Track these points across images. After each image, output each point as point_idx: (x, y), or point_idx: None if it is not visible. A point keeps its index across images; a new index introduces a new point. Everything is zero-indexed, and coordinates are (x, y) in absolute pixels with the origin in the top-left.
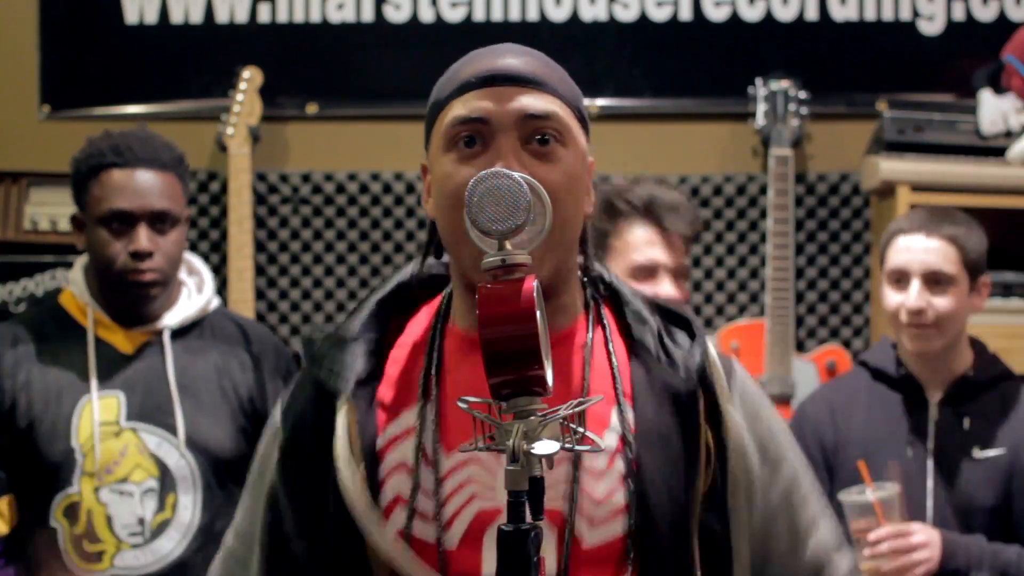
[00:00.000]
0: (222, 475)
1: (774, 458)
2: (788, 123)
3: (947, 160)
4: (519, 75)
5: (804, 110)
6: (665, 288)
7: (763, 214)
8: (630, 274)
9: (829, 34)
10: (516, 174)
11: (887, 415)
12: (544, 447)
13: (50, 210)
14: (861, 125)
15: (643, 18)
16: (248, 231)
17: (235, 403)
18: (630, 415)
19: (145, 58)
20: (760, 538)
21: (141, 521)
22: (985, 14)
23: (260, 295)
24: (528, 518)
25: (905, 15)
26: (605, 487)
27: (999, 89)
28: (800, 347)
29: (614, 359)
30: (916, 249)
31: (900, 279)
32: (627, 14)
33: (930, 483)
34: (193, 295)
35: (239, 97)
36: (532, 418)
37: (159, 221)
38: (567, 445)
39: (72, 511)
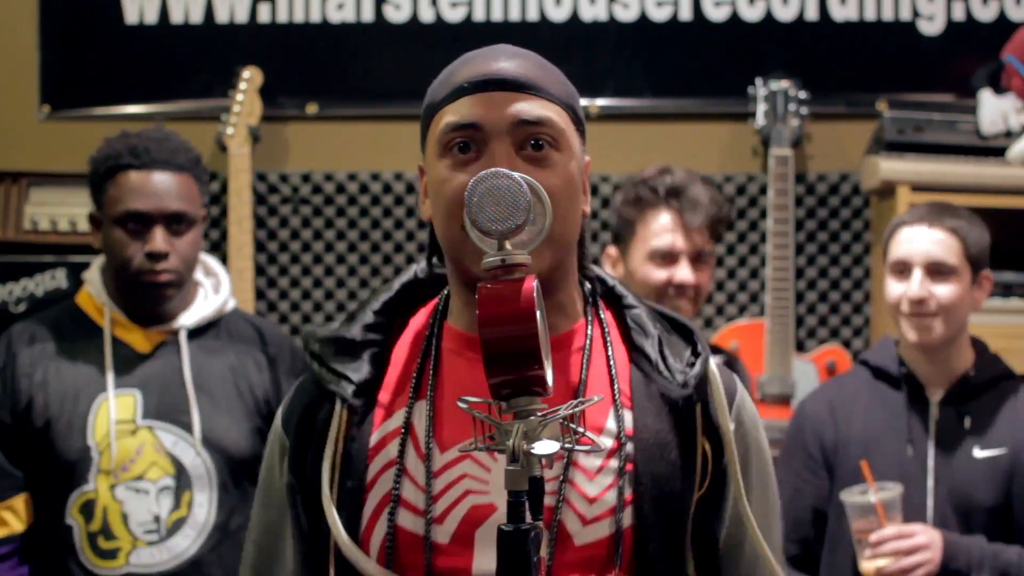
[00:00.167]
0: (237, 474)
1: (757, 483)
2: (788, 123)
3: (947, 160)
4: (513, 80)
5: (804, 110)
6: (682, 272)
7: (763, 214)
8: (649, 258)
9: (829, 34)
10: (516, 174)
11: (888, 414)
12: (544, 447)
13: (50, 210)
14: (861, 125)
15: (643, 18)
16: (248, 231)
17: (251, 403)
18: (627, 418)
19: (145, 58)
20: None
21: (157, 519)
22: (985, 14)
23: (260, 295)
24: (528, 518)
25: (905, 15)
26: (598, 487)
27: (999, 89)
28: (800, 347)
29: (613, 362)
30: (918, 239)
31: (902, 270)
32: (627, 14)
33: (930, 482)
34: (210, 295)
35: (239, 97)
36: (532, 418)
37: (175, 222)
38: (567, 445)
39: (88, 508)
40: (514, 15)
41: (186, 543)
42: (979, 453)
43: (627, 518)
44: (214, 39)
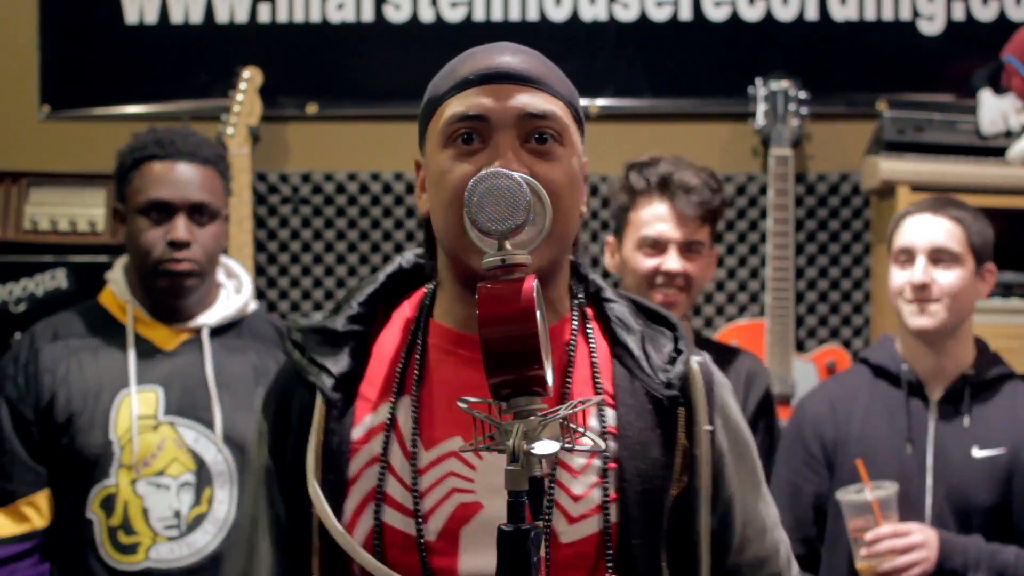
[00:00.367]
0: None
1: (747, 467)
2: (788, 123)
3: (947, 160)
4: (519, 73)
5: (804, 110)
6: (671, 262)
7: (763, 214)
8: (638, 246)
9: (829, 34)
10: (516, 174)
11: (887, 412)
12: (544, 447)
13: (50, 210)
14: (861, 125)
15: (643, 18)
16: (248, 231)
17: None
18: (610, 415)
19: (145, 58)
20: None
21: (177, 514)
22: (985, 14)
23: (260, 295)
24: (528, 518)
25: (905, 15)
26: (582, 485)
27: (999, 89)
28: (800, 347)
29: (595, 359)
30: (922, 227)
31: (906, 258)
32: (627, 14)
33: (929, 481)
34: (231, 296)
35: (239, 97)
36: (532, 418)
37: (197, 212)
38: (567, 445)
39: (109, 503)
40: (514, 15)
41: (206, 539)
42: (978, 453)
43: (612, 515)
44: (214, 39)
